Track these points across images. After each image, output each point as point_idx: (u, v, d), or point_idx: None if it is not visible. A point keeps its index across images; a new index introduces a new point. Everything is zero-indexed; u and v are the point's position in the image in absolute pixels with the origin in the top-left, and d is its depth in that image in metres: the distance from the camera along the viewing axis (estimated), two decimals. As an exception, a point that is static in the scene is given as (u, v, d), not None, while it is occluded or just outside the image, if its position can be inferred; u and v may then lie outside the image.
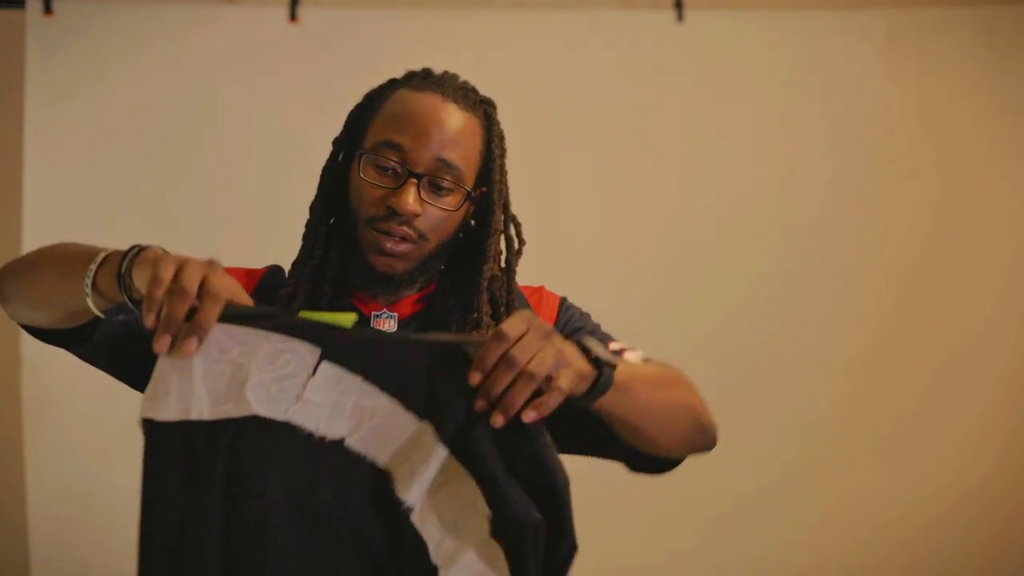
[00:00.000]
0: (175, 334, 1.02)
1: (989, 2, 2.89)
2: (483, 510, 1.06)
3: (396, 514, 1.06)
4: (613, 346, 1.34)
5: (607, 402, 1.14)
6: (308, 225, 1.43)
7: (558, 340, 1.07)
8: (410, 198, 1.31)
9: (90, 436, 2.64)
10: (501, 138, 1.44)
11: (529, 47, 2.82)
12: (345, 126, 1.45)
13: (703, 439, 1.31)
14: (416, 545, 1.07)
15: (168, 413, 1.05)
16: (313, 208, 1.44)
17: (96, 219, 2.71)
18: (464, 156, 1.36)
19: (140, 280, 1.10)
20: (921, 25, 2.87)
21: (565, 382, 1.05)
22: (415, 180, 1.32)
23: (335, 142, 1.45)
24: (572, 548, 1.08)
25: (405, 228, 1.32)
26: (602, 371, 1.12)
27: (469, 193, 1.37)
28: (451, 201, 1.35)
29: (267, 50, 2.77)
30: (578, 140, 2.81)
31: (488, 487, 1.06)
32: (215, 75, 2.75)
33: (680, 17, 2.85)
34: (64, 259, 1.22)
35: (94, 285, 1.14)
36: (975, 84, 2.87)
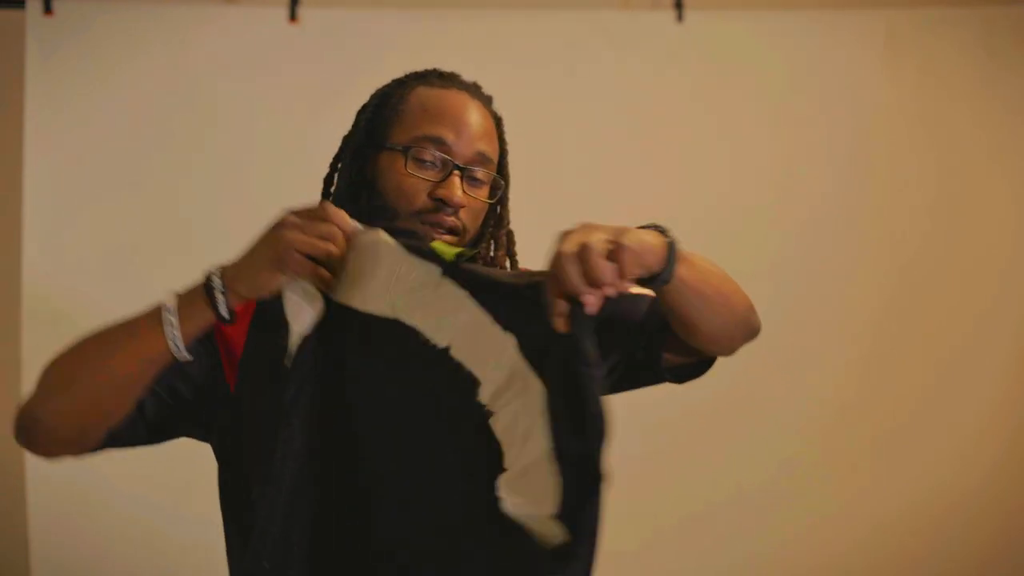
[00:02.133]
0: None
1: (989, 2, 2.89)
2: (547, 430, 1.14)
3: (481, 419, 1.16)
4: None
5: (679, 275, 1.21)
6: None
7: (608, 229, 1.12)
8: (458, 189, 1.34)
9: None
10: (505, 140, 1.46)
11: (529, 47, 2.82)
12: (359, 124, 1.44)
13: (754, 319, 1.37)
14: (496, 451, 1.15)
15: (341, 297, 1.21)
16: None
17: (96, 219, 2.71)
18: (494, 150, 1.40)
19: (248, 281, 1.18)
20: (921, 25, 2.87)
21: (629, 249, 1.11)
22: (459, 172, 1.34)
23: (346, 139, 1.44)
24: (597, 477, 1.11)
25: (454, 220, 1.34)
26: (670, 236, 1.21)
27: (497, 182, 1.40)
28: (485, 193, 1.38)
29: (267, 50, 2.77)
30: (578, 140, 2.80)
31: (552, 414, 1.13)
32: (215, 75, 2.75)
33: (680, 17, 2.85)
34: (114, 328, 1.23)
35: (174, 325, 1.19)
36: (975, 84, 2.87)
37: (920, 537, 2.81)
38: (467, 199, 1.34)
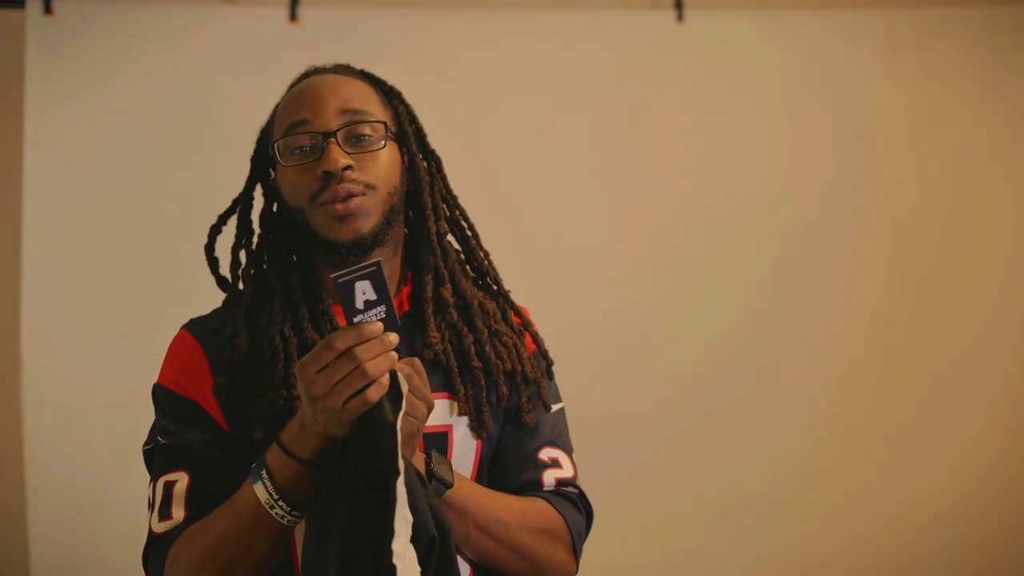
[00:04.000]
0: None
1: (989, 2, 2.90)
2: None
3: None
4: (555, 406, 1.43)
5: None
6: (266, 246, 1.47)
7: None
8: (334, 154, 1.32)
9: (90, 438, 2.63)
10: (402, 98, 1.45)
11: (529, 47, 2.81)
12: (257, 144, 1.48)
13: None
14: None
15: None
16: (265, 221, 1.47)
17: (96, 218, 2.70)
18: (373, 107, 1.38)
19: (305, 441, 1.20)
20: (921, 25, 2.87)
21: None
22: (331, 139, 1.33)
23: (252, 159, 1.48)
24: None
25: (346, 185, 1.32)
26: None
27: (387, 127, 1.37)
28: (375, 142, 1.36)
29: (267, 50, 2.77)
30: (578, 140, 2.80)
31: None
32: (215, 75, 2.74)
33: (680, 17, 2.85)
34: (224, 531, 1.28)
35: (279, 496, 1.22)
36: (975, 84, 2.87)
37: (921, 537, 2.81)
38: (354, 158, 1.32)
